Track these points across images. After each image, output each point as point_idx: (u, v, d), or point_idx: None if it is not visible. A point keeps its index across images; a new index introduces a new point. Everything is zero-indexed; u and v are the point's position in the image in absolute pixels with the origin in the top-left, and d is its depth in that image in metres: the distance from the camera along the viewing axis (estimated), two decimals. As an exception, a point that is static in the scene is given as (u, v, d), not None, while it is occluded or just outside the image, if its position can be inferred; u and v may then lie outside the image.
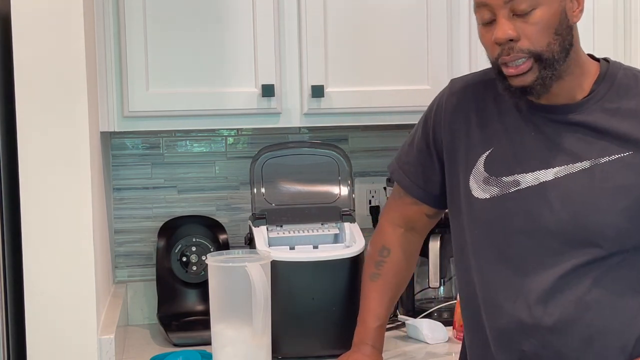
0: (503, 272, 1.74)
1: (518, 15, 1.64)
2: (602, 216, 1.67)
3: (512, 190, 1.73)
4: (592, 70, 1.75)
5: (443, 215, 2.01)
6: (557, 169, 1.71)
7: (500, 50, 1.66)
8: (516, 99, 1.71)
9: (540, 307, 1.70)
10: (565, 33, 1.67)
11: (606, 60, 1.78)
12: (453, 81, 1.91)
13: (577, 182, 1.69)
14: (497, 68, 1.69)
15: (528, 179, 1.72)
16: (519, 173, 1.73)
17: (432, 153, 1.90)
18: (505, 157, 1.75)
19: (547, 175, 1.71)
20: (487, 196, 1.76)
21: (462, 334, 2.29)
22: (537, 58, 1.65)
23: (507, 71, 1.66)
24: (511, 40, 1.64)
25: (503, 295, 1.74)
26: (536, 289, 1.70)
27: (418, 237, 2.04)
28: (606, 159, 1.68)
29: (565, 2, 1.66)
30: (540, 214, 1.70)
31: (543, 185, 1.71)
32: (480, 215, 1.78)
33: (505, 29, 1.63)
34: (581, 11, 1.70)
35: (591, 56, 1.78)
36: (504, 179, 1.74)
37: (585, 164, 1.69)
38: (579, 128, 1.71)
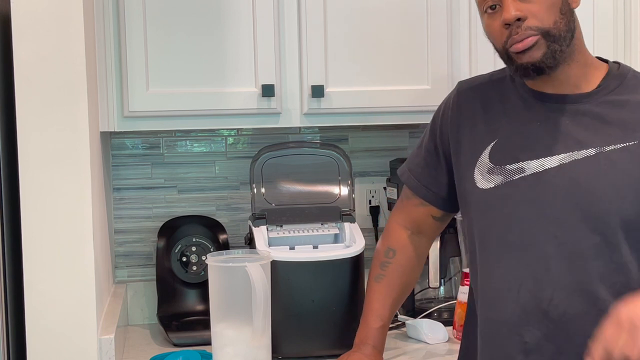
0: (507, 261, 1.75)
1: None
2: (606, 204, 1.68)
3: (516, 177, 1.74)
4: (600, 67, 1.78)
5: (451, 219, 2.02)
6: (562, 155, 1.72)
7: (508, 32, 1.69)
8: (528, 77, 1.73)
9: (545, 298, 1.70)
10: (568, 15, 1.72)
11: (616, 62, 1.81)
12: (460, 83, 1.94)
13: (582, 169, 1.70)
14: (505, 54, 1.73)
15: (533, 166, 1.73)
16: (523, 160, 1.74)
17: (439, 154, 1.92)
18: (510, 146, 1.77)
19: (552, 162, 1.72)
20: (492, 185, 1.77)
21: (461, 334, 2.29)
22: (545, 34, 1.69)
23: (515, 47, 1.69)
24: (519, 19, 1.68)
25: (507, 285, 1.74)
26: (541, 280, 1.70)
27: (425, 241, 2.05)
28: (612, 147, 1.70)
29: None
30: (544, 202, 1.71)
31: (548, 172, 1.72)
32: (484, 205, 1.79)
33: (512, 9, 1.68)
34: None
35: (600, 58, 1.82)
36: (508, 167, 1.76)
37: (591, 152, 1.70)
38: (586, 117, 1.73)
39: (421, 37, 2.41)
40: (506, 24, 1.69)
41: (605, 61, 1.81)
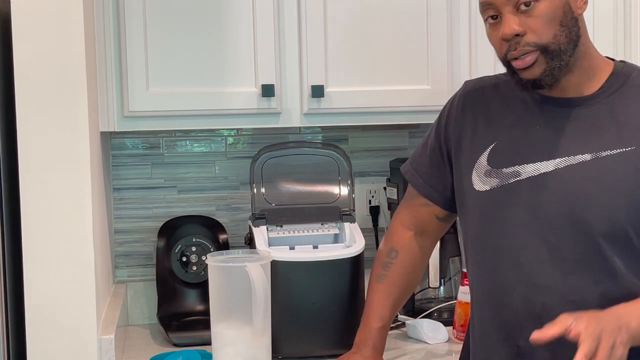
0: (501, 264, 1.75)
1: (522, 10, 1.66)
2: (599, 210, 1.67)
3: (512, 181, 1.74)
4: (605, 67, 1.75)
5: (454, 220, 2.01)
6: (558, 160, 1.71)
7: (508, 46, 1.68)
8: (528, 91, 1.73)
9: (538, 302, 1.70)
10: (571, 24, 1.68)
11: (622, 61, 1.79)
12: (467, 82, 1.93)
13: (577, 174, 1.69)
14: (507, 64, 1.72)
15: (528, 170, 1.73)
16: (519, 164, 1.74)
17: (443, 153, 1.91)
18: (508, 149, 1.76)
19: (548, 166, 1.71)
20: (487, 188, 1.77)
21: (462, 334, 2.29)
22: (544, 50, 1.67)
23: (516, 64, 1.69)
24: (517, 35, 1.66)
25: (501, 289, 1.74)
26: (534, 284, 1.70)
27: (428, 242, 2.04)
28: (608, 152, 1.68)
29: None
30: (538, 206, 1.71)
31: (543, 176, 1.71)
32: (480, 208, 1.79)
33: (510, 24, 1.66)
34: (585, 2, 1.71)
35: (608, 57, 1.79)
36: (504, 170, 1.75)
37: (586, 157, 1.69)
38: (586, 121, 1.72)
39: (421, 37, 2.41)
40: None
41: (613, 60, 1.79)
